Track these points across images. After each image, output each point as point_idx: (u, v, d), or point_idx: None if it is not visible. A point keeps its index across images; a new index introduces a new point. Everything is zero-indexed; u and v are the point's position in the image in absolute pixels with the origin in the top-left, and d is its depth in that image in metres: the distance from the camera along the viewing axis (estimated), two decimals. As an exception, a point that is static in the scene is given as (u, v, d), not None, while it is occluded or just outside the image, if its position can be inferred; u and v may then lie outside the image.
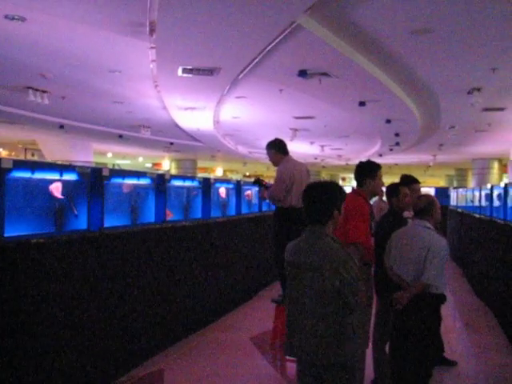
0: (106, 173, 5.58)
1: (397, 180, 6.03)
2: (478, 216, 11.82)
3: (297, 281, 3.51)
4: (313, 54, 8.25)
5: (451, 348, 6.93)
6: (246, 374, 6.13)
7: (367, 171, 5.15)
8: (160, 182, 6.79)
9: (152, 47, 8.02)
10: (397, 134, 16.79)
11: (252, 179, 8.54)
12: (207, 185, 8.20)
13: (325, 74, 9.21)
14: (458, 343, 7.50)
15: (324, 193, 3.53)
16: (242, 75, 9.35)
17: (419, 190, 6.15)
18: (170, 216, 7.31)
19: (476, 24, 7.16)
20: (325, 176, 39.72)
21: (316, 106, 12.69)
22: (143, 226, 6.34)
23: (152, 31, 7.21)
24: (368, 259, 4.88)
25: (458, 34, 7.61)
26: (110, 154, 28.56)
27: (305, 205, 3.57)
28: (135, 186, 6.42)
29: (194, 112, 13.44)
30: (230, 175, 40.64)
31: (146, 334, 6.23)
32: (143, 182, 6.57)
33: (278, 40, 7.29)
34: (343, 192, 3.67)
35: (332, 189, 3.57)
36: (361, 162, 5.29)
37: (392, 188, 5.69)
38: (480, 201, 12.06)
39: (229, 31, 7.23)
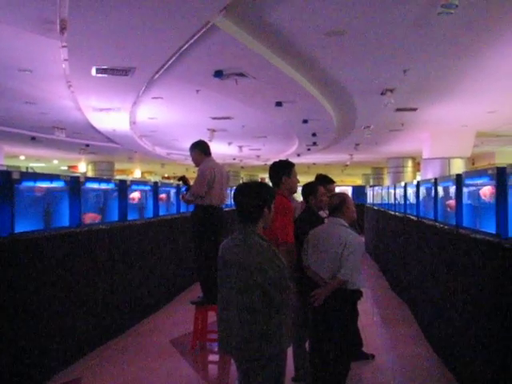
0: (16, 176, 5.37)
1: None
2: (393, 213, 12.15)
3: (225, 278, 3.55)
4: (229, 54, 8.24)
5: (369, 342, 7.10)
6: (166, 377, 6.07)
7: (282, 169, 5.20)
8: (74, 184, 6.60)
9: (63, 46, 7.76)
10: (314, 134, 17.03)
11: (170, 181, 8.46)
12: (124, 187, 8.04)
13: (241, 75, 9.22)
14: (376, 337, 7.69)
15: (255, 192, 3.62)
16: (157, 75, 9.22)
17: (334, 189, 6.31)
18: (97, 219, 7.21)
19: (388, 26, 7.35)
20: (244, 176, 39.90)
21: (233, 106, 12.70)
22: (57, 230, 6.14)
23: (63, 29, 6.98)
24: (293, 259, 4.92)
25: (371, 36, 7.79)
26: (22, 157, 27.61)
27: (236, 204, 3.64)
28: (48, 190, 6.21)
29: (110, 113, 13.14)
30: (148, 177, 40.16)
31: (61, 342, 6.04)
32: (57, 185, 6.37)
33: (193, 40, 7.23)
34: (273, 191, 3.79)
35: (263, 188, 3.68)
36: (275, 162, 5.35)
37: (309, 187, 5.77)
38: (395, 198, 12.39)
39: (143, 31, 7.11)
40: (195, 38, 7.13)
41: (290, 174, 5.20)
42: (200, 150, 7.02)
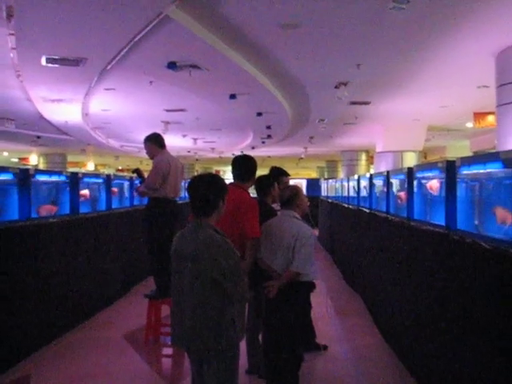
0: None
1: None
2: (346, 206, 12.27)
3: (179, 271, 3.55)
4: (182, 46, 8.17)
5: (323, 333, 7.16)
6: (119, 372, 5.99)
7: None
8: (23, 177, 6.44)
9: (11, 34, 7.55)
10: (268, 127, 17.06)
11: (124, 173, 8.37)
12: (75, 180, 7.90)
13: (195, 67, 9.15)
14: (329, 328, 7.76)
15: (209, 185, 3.62)
16: (110, 66, 9.08)
17: (288, 182, 6.33)
18: (53, 210, 7.12)
19: (342, 20, 7.40)
20: (199, 169, 39.75)
21: (187, 98, 12.62)
22: (4, 223, 5.99)
23: (10, 16, 6.78)
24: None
25: (325, 30, 7.82)
26: (-31, 150, 26.93)
27: (190, 197, 3.63)
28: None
29: (61, 104, 12.90)
30: (101, 169, 39.64)
31: (10, 338, 5.90)
32: (5, 177, 6.21)
33: (146, 31, 7.14)
34: (226, 184, 3.81)
35: (217, 181, 3.69)
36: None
37: (264, 180, 5.78)
38: (348, 191, 12.51)
39: (94, 20, 6.98)
40: (148, 28, 7.04)
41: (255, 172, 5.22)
42: (154, 142, 6.97)
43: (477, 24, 7.55)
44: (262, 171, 6.04)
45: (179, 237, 3.67)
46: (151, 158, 6.97)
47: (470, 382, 4.06)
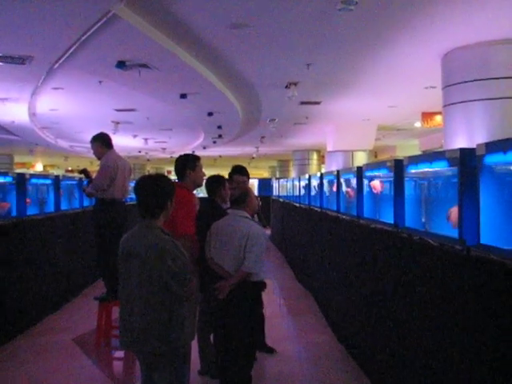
0: None
1: (221, 172, 6.16)
2: (297, 205, 12.34)
3: (127, 272, 3.52)
4: (131, 45, 8.06)
5: (275, 332, 7.20)
6: (69, 377, 5.89)
7: (187, 162, 5.17)
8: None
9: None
10: (219, 127, 17.03)
11: (73, 174, 8.23)
12: (22, 181, 7.71)
13: (144, 66, 9.06)
14: (282, 327, 7.80)
15: (157, 185, 3.60)
16: (57, 65, 8.89)
17: (243, 181, 6.30)
18: (6, 207, 7.07)
19: (291, 20, 7.42)
20: (150, 169, 39.42)
21: (137, 98, 12.48)
22: None
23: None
24: (195, 252, 4.90)
25: (274, 30, 7.84)
26: None
27: (138, 198, 3.60)
28: None
29: (7, 103, 12.59)
30: (50, 170, 38.88)
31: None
32: None
33: (94, 29, 7.01)
34: (173, 184, 3.79)
35: (164, 182, 3.67)
36: (180, 155, 5.34)
37: (213, 180, 5.78)
38: (299, 190, 12.58)
39: (40, 17, 6.81)
40: (96, 26, 6.93)
41: (195, 167, 5.18)
42: (101, 142, 6.86)
43: (423, 26, 7.68)
44: (213, 171, 6.03)
45: (127, 238, 3.63)
46: (98, 158, 6.87)
47: (419, 377, 4.13)
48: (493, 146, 3.29)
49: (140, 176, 3.93)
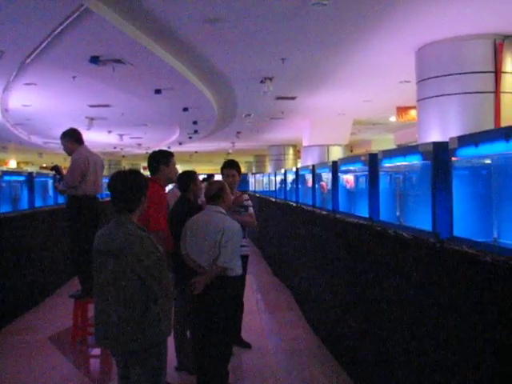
0: None
1: (197, 167, 6.15)
2: (274, 200, 12.35)
3: (102, 269, 3.48)
4: (104, 40, 7.99)
5: (252, 327, 7.21)
6: (44, 376, 5.81)
7: (161, 158, 5.17)
8: None
9: None
10: (195, 122, 16.99)
11: (47, 171, 8.14)
12: (-6, 178, 7.63)
13: (118, 61, 8.99)
14: (259, 322, 7.80)
15: (132, 181, 3.58)
16: (29, 60, 8.78)
17: (234, 175, 6.27)
18: None
19: (265, 15, 7.42)
20: (125, 165, 39.17)
21: (111, 93, 12.39)
22: None
23: None
24: (168, 247, 4.88)
25: (249, 24, 7.83)
26: None
27: (113, 194, 3.58)
28: None
29: (-23, 99, 12.46)
30: (24, 167, 38.43)
31: None
32: None
33: (66, 23, 6.94)
34: (146, 179, 3.79)
35: (138, 177, 3.65)
36: (154, 151, 5.34)
37: (185, 175, 5.79)
38: (275, 185, 12.60)
39: (11, 11, 6.72)
40: (68, 21, 6.85)
41: (169, 163, 5.18)
42: (72, 138, 6.76)
43: (397, 21, 7.73)
44: (189, 166, 6.03)
45: (101, 234, 3.60)
46: (69, 154, 6.77)
47: (396, 369, 4.17)
48: (465, 140, 3.32)
49: (114, 172, 3.91)
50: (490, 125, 8.12)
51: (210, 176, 13.61)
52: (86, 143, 6.90)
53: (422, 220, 3.85)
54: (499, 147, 2.97)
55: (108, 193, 3.68)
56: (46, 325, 7.63)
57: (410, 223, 4.16)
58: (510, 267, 2.61)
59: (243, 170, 40.41)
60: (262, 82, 11.22)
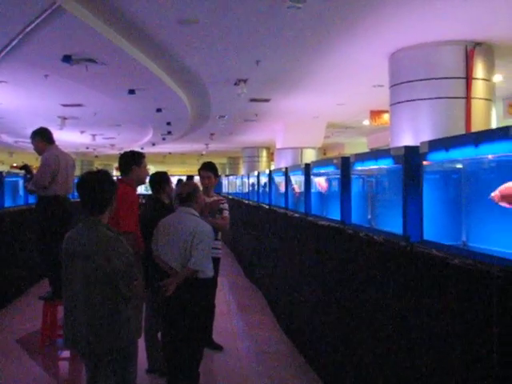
0: None
1: (171, 169, 6.14)
2: (247, 202, 12.35)
3: (71, 270, 3.45)
4: (77, 39, 7.92)
5: (225, 329, 7.19)
6: (12, 379, 5.70)
7: (133, 159, 5.14)
8: None
9: None
10: (168, 123, 16.95)
11: (18, 170, 8.03)
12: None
13: (91, 61, 8.91)
14: (231, 324, 7.79)
15: (103, 181, 3.56)
16: (0, 58, 8.66)
17: (210, 177, 6.30)
18: None
19: (240, 17, 7.42)
20: (98, 166, 38.86)
21: (84, 93, 12.28)
22: None
23: None
24: (138, 248, 4.85)
25: (224, 26, 7.83)
26: None
27: (84, 195, 3.54)
28: None
29: None
30: (-6, 166, 37.93)
31: None
32: None
33: (38, 21, 6.85)
34: (115, 180, 3.79)
35: (108, 177, 3.64)
36: (125, 152, 5.30)
37: (157, 177, 5.78)
38: (249, 187, 12.60)
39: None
40: (40, 19, 6.77)
41: (140, 164, 5.16)
42: (42, 137, 6.66)
43: (371, 26, 7.80)
44: (163, 168, 6.02)
45: (70, 235, 3.56)
46: (39, 154, 6.69)
47: (367, 371, 4.19)
48: (435, 144, 3.36)
49: (83, 173, 3.87)
50: (461, 130, 8.22)
51: (190, 177, 13.60)
52: (58, 143, 6.82)
53: (393, 223, 3.88)
54: (469, 152, 3.01)
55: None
56: (15, 326, 7.51)
57: (381, 226, 4.18)
58: (477, 270, 2.65)
59: (217, 171, 40.18)
60: (236, 83, 11.23)
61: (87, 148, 27.35)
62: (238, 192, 15.56)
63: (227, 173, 34.00)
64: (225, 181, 21.40)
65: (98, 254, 3.36)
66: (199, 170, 6.40)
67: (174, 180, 17.72)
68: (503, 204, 2.79)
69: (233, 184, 17.88)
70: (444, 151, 3.22)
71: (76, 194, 3.67)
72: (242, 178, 15.10)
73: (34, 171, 6.85)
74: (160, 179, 5.75)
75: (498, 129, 3.00)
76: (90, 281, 3.35)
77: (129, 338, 3.48)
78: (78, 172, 16.13)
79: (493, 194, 2.83)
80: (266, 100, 13.77)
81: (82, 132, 20.50)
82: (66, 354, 6.73)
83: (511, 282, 2.40)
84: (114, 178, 4.44)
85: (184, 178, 17.27)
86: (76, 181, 3.76)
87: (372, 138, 22.35)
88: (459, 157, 3.21)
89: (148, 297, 5.30)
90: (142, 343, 4.97)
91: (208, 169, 6.37)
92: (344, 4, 6.97)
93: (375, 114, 15.00)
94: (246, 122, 18.07)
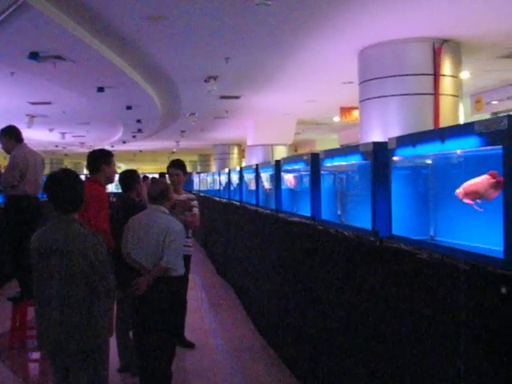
0: None
1: (142, 166, 6.12)
2: (218, 199, 12.34)
3: (44, 269, 3.42)
4: (44, 35, 7.77)
5: (197, 326, 7.21)
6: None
7: (102, 158, 5.11)
8: None
9: None
10: (138, 121, 16.81)
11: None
12: None
13: (59, 58, 8.78)
14: (203, 320, 7.80)
15: (75, 179, 3.58)
16: (-37, 54, 8.52)
17: (178, 174, 6.32)
18: None
19: (209, 14, 7.38)
20: (68, 164, 38.46)
21: (52, 90, 12.09)
22: None
23: None
24: (109, 247, 4.82)
25: (193, 23, 7.78)
26: None
27: (53, 194, 3.53)
28: None
29: None
30: (-39, 166, 37.25)
31: None
32: None
33: (2, 17, 6.72)
34: (82, 179, 3.79)
35: (77, 176, 3.66)
36: (94, 150, 5.28)
37: (127, 175, 5.76)
38: (220, 184, 12.59)
39: None
40: (5, 14, 6.63)
41: (110, 162, 5.13)
42: (10, 136, 6.59)
43: (341, 22, 7.82)
44: (134, 166, 5.99)
45: (42, 234, 3.53)
46: (8, 152, 6.62)
47: (339, 367, 4.22)
48: (403, 140, 3.39)
49: (52, 171, 3.86)
50: (429, 126, 8.31)
51: (162, 175, 13.55)
52: (27, 141, 6.75)
53: (362, 219, 3.91)
54: (435, 148, 3.05)
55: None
56: (-17, 328, 7.42)
57: (351, 222, 4.22)
58: (444, 264, 2.68)
59: (188, 169, 40.40)
60: (206, 81, 11.19)
61: (56, 146, 27.01)
62: (210, 189, 15.53)
63: (198, 170, 33.90)
64: (196, 178, 21.34)
65: (76, 250, 3.36)
66: (168, 168, 6.45)
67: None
68: (467, 201, 2.84)
69: (204, 181, 17.85)
70: (411, 147, 3.26)
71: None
72: (213, 176, 15.07)
73: (2, 170, 6.76)
74: (129, 177, 5.73)
75: (464, 124, 3.05)
76: (67, 278, 3.35)
77: (101, 337, 3.47)
78: (47, 171, 15.93)
79: (457, 191, 2.88)
80: (237, 97, 13.75)
81: (50, 130, 20.22)
82: (36, 355, 6.67)
83: (478, 275, 2.44)
84: (83, 176, 4.43)
85: (157, 176, 17.18)
86: (45, 179, 3.74)
87: (343, 135, 22.47)
88: (426, 152, 3.25)
89: (119, 295, 5.27)
90: (113, 342, 4.95)
91: (176, 166, 6.41)
92: (313, 1, 6.99)
93: (345, 110, 15.07)
94: (217, 119, 18.02)
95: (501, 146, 2.40)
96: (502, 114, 7.27)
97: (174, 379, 5.00)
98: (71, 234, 3.42)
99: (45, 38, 7.93)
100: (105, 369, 3.61)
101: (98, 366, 3.50)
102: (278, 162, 6.37)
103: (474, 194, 2.79)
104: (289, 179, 6.03)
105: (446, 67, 8.60)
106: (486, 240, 2.77)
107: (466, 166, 3.10)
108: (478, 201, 2.78)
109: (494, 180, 2.66)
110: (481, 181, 2.74)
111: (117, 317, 5.32)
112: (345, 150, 4.52)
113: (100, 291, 3.40)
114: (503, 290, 2.24)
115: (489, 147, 2.54)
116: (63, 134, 21.56)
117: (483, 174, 2.73)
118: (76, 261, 3.34)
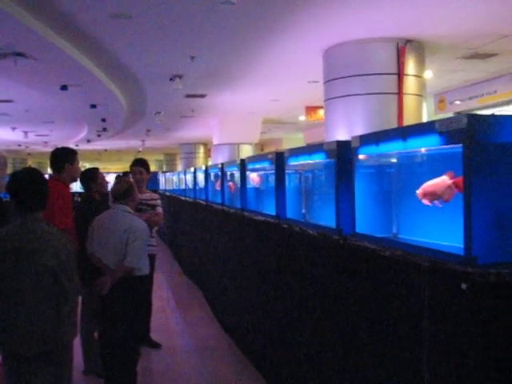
0: None
1: (107, 166, 6.08)
2: (184, 198, 12.28)
3: (11, 269, 3.34)
4: (4, 32, 7.64)
5: (163, 326, 7.18)
6: None
7: (65, 157, 5.05)
8: None
9: None
10: (103, 120, 16.66)
11: None
12: None
13: (21, 55, 8.63)
14: (170, 321, 7.77)
15: (39, 177, 3.56)
16: None
17: (141, 172, 6.35)
18: None
19: (174, 12, 7.34)
20: (31, 164, 37.91)
21: (14, 89, 11.90)
22: None
23: None
24: (73, 246, 4.76)
25: (158, 21, 7.73)
26: None
27: (18, 193, 3.48)
28: None
29: None
30: None
31: None
32: None
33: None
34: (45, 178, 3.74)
35: (40, 175, 3.62)
36: (57, 149, 5.22)
37: (88, 174, 5.72)
38: (186, 184, 12.53)
39: None
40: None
41: (73, 161, 5.08)
42: None
43: (305, 22, 7.85)
44: (99, 165, 5.94)
45: (6, 233, 3.45)
46: None
47: (306, 367, 4.23)
48: (366, 139, 3.41)
49: (15, 171, 3.80)
50: (393, 124, 8.39)
51: (126, 174, 13.43)
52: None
53: (326, 217, 3.93)
54: (397, 146, 3.07)
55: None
56: None
57: (315, 220, 4.23)
58: (407, 261, 2.71)
59: (153, 168, 40.07)
60: (171, 79, 11.12)
61: (19, 145, 26.62)
62: (176, 189, 15.45)
63: (164, 169, 33.70)
64: (161, 177, 21.21)
65: (47, 248, 3.32)
66: (131, 166, 6.53)
67: (111, 177, 17.52)
68: (425, 201, 2.88)
69: (170, 181, 17.74)
70: (374, 145, 3.28)
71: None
72: (178, 175, 14.99)
73: None
74: (90, 176, 5.71)
75: (425, 123, 3.08)
76: (35, 277, 3.29)
77: (66, 338, 3.42)
78: (10, 170, 15.67)
79: (417, 192, 2.91)
80: (202, 96, 13.72)
81: (13, 129, 19.93)
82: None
83: (440, 272, 2.47)
84: (47, 175, 4.37)
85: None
86: (8, 179, 3.68)
87: (309, 134, 22.58)
88: (389, 151, 3.28)
89: (84, 296, 5.21)
90: (78, 344, 4.89)
91: (139, 164, 6.48)
92: (278, 0, 7.00)
93: (311, 109, 15.14)
94: (183, 118, 17.96)
95: (461, 145, 2.43)
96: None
97: (139, 380, 4.97)
98: (40, 233, 3.38)
99: (5, 35, 7.79)
100: (68, 370, 3.56)
101: (62, 367, 3.46)
102: (242, 160, 6.37)
103: (431, 195, 2.83)
104: (254, 178, 6.04)
105: (410, 67, 8.70)
106: (447, 237, 2.80)
107: (428, 164, 3.14)
108: (436, 202, 2.82)
109: (451, 181, 2.70)
110: (438, 182, 2.78)
111: (82, 318, 5.26)
112: (309, 149, 4.54)
113: (67, 290, 3.36)
114: (463, 287, 2.28)
115: (449, 145, 2.57)
116: (26, 132, 21.26)
117: (445, 172, 2.76)
118: (45, 259, 3.30)
